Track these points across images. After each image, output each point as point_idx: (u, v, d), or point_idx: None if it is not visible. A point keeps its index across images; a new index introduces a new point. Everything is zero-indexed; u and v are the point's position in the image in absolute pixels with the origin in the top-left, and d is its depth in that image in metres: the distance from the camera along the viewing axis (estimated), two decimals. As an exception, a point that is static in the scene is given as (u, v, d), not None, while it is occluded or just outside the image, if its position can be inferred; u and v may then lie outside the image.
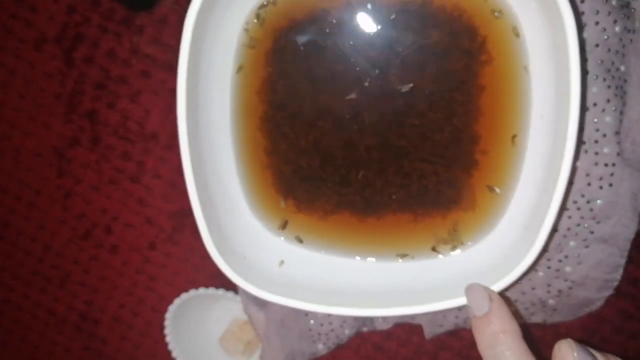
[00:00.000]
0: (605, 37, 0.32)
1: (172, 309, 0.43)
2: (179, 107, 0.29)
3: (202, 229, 0.30)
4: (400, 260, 0.34)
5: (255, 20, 0.32)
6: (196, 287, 0.42)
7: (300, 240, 0.34)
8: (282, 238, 0.34)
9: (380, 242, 0.34)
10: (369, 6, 0.31)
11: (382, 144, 0.32)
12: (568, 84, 0.26)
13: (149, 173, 0.44)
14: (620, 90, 0.34)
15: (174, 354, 0.44)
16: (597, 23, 0.32)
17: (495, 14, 0.30)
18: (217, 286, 0.42)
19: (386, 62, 0.32)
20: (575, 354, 0.23)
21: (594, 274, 0.36)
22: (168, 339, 0.44)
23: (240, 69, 0.33)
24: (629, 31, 0.33)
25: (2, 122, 0.45)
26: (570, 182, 0.34)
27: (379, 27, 0.31)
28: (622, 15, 0.33)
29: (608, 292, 0.37)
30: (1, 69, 0.44)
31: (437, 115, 0.32)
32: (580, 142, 0.33)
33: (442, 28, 0.31)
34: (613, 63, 0.33)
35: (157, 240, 0.45)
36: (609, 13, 0.32)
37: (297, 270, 0.33)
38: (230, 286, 0.43)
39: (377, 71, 0.31)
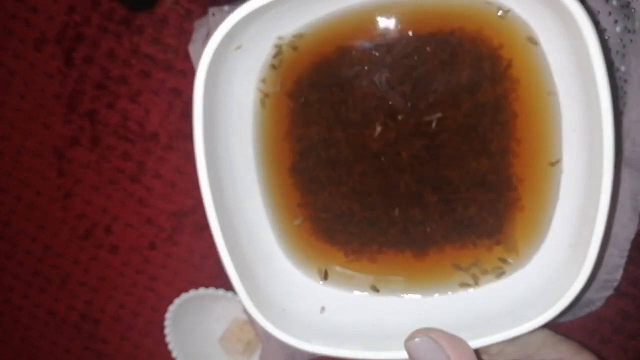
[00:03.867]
0: (606, 37, 0.32)
1: (172, 309, 0.43)
2: (199, 167, 0.28)
3: (237, 286, 0.29)
4: (448, 293, 0.32)
5: (273, 68, 0.31)
6: (196, 287, 0.42)
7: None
8: (322, 284, 0.33)
9: (424, 278, 0.33)
10: (395, 40, 0.30)
11: (420, 178, 0.31)
12: (598, 101, 0.24)
13: (149, 173, 0.44)
14: (620, 90, 0.34)
15: (174, 354, 0.44)
16: (597, 23, 0.32)
17: (525, 39, 0.29)
18: (217, 286, 0.42)
19: (417, 96, 0.30)
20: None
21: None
22: (168, 339, 0.44)
23: (260, 117, 0.32)
24: (629, 31, 0.33)
25: (2, 122, 0.45)
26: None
27: (408, 60, 0.30)
28: (623, 16, 0.33)
29: (608, 292, 0.37)
30: (1, 69, 0.44)
31: (471, 145, 0.30)
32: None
33: (470, 58, 0.30)
34: (613, 63, 0.33)
35: (157, 240, 0.45)
36: (610, 13, 0.32)
37: (340, 315, 0.32)
38: (230, 286, 0.43)
39: (409, 104, 0.30)
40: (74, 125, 0.44)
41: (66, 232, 0.46)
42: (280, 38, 0.30)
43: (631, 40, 0.33)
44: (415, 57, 0.30)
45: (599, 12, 0.32)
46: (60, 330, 0.48)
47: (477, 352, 0.27)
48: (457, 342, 0.26)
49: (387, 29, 0.30)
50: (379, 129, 0.31)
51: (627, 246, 0.35)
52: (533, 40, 0.29)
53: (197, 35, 0.39)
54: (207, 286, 0.42)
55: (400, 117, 0.30)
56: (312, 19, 0.30)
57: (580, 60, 0.26)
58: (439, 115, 0.30)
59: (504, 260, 0.32)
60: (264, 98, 0.31)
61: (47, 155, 0.45)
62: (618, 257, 0.35)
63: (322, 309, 0.32)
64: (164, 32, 0.42)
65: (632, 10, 0.33)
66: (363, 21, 0.30)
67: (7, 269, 0.47)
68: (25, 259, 0.47)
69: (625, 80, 0.34)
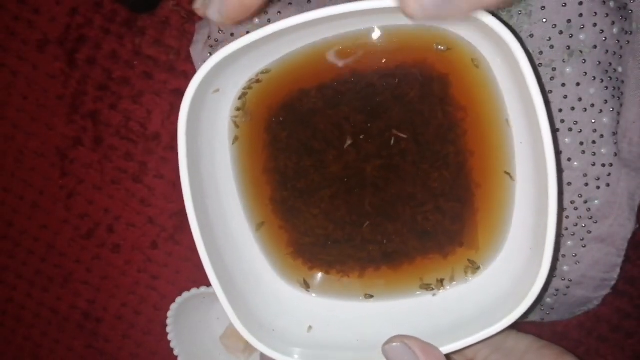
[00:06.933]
0: (603, 38, 0.33)
1: (174, 307, 0.43)
2: (187, 201, 0.31)
3: (228, 311, 0.31)
4: (423, 301, 0.34)
5: (245, 109, 0.33)
6: (198, 285, 0.43)
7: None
8: (309, 302, 0.35)
9: (399, 289, 0.35)
10: (356, 73, 0.32)
11: (388, 197, 0.34)
12: (536, 116, 0.27)
13: (151, 173, 0.45)
14: (617, 91, 0.34)
15: (175, 352, 0.44)
16: (595, 25, 0.32)
17: (473, 65, 0.32)
18: (218, 285, 0.43)
19: (374, 123, 0.33)
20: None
21: (592, 273, 0.36)
22: (170, 337, 0.44)
23: (240, 154, 0.34)
24: (626, 33, 0.33)
25: (5, 123, 0.45)
26: (568, 183, 0.35)
27: (364, 92, 0.32)
28: (620, 17, 0.33)
29: (605, 291, 0.37)
30: (4, 70, 0.44)
31: (431, 161, 0.33)
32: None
33: (419, 84, 0.32)
34: (610, 64, 0.33)
35: (159, 239, 0.46)
36: (607, 15, 0.32)
37: (326, 331, 0.34)
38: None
39: (367, 130, 0.32)
40: (77, 125, 0.44)
41: (69, 231, 0.46)
42: (251, 80, 0.33)
43: (628, 42, 0.34)
44: (372, 88, 0.32)
45: (596, 13, 0.32)
46: (63, 329, 0.48)
47: (448, 357, 0.30)
48: (429, 349, 0.29)
49: (345, 65, 0.32)
50: (343, 155, 0.33)
51: (624, 245, 0.35)
52: (481, 65, 0.31)
53: (198, 37, 0.39)
54: (208, 285, 0.42)
55: (361, 143, 0.33)
56: (276, 58, 0.32)
57: (518, 81, 0.28)
58: (396, 135, 0.32)
59: (471, 264, 0.33)
60: (240, 136, 0.34)
61: (49, 156, 0.45)
62: (615, 257, 0.36)
63: (310, 327, 0.34)
64: (166, 34, 0.43)
65: (630, 12, 0.34)
66: (320, 59, 0.32)
67: (10, 268, 0.48)
68: (28, 258, 0.47)
69: (622, 81, 0.34)
